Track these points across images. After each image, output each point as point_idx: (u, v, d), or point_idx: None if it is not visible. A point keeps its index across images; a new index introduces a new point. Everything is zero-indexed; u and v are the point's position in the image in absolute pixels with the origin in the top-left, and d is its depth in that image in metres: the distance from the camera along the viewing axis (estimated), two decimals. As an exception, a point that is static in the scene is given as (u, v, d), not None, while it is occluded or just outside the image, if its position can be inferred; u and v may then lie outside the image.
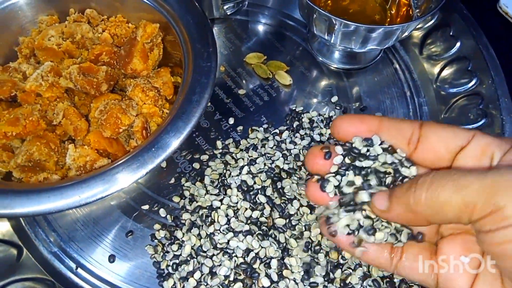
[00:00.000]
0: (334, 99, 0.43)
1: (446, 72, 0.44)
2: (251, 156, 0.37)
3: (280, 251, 0.32)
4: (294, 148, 0.38)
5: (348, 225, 0.22)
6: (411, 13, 0.43)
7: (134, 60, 0.37)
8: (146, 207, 0.37)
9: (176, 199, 0.37)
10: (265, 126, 0.41)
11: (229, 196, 0.35)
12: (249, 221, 0.33)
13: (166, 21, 0.38)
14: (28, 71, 0.39)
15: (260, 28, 0.49)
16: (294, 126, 0.40)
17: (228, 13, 0.48)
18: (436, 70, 0.45)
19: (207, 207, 0.35)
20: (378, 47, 0.40)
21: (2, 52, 0.40)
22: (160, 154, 0.31)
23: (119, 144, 0.35)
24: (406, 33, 0.39)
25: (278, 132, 0.40)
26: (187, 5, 0.38)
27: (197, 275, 0.32)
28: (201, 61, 0.35)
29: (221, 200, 0.35)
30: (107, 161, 0.34)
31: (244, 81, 0.44)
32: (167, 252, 0.34)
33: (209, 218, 0.34)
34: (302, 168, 0.36)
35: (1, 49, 0.40)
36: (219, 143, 0.40)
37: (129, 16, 0.41)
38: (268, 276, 0.31)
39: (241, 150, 0.39)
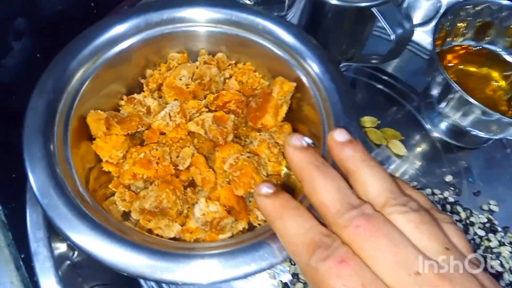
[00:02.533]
0: (448, 178, 0.42)
1: None
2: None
3: None
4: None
5: None
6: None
7: (267, 116, 0.36)
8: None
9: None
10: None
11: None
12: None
13: (299, 79, 0.37)
14: (152, 106, 0.38)
15: (373, 90, 0.48)
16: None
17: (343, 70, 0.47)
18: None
19: None
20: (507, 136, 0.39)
21: (126, 82, 0.39)
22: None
23: (244, 202, 0.34)
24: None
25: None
26: (328, 67, 0.37)
27: None
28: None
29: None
30: (232, 219, 0.33)
31: (356, 145, 0.43)
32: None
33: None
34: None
35: (126, 79, 0.39)
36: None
37: (258, 65, 0.41)
38: None
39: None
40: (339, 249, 0.18)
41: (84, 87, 0.34)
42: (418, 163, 0.43)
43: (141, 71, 0.40)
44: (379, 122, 0.44)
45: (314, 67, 0.37)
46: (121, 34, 0.37)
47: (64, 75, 0.33)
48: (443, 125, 0.45)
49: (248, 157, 0.35)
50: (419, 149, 0.44)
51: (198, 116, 0.38)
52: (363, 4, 0.37)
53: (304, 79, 0.37)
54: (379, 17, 0.36)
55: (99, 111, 0.35)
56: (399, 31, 0.37)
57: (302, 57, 0.37)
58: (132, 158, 0.34)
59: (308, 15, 0.41)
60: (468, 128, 0.40)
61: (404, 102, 0.47)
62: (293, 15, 0.44)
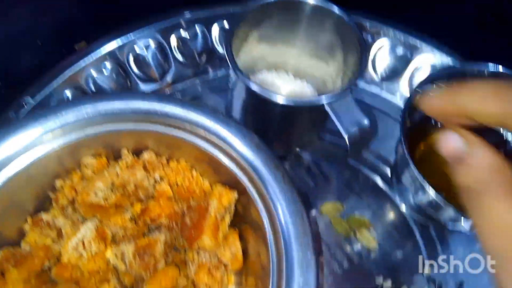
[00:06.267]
0: (427, 270, 0.36)
1: None
2: None
3: None
4: None
5: None
6: None
7: (204, 237, 0.30)
8: None
9: None
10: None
11: None
12: None
13: (242, 185, 0.31)
14: (64, 230, 0.31)
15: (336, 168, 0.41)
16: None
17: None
18: None
19: None
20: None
21: (33, 195, 0.32)
22: None
23: None
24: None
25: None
26: (272, 170, 0.30)
27: None
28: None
29: None
30: None
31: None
32: None
33: None
34: None
35: (33, 191, 0.32)
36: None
37: (194, 162, 0.34)
38: None
39: None
40: None
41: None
42: (394, 254, 0.37)
43: (50, 181, 0.33)
44: (343, 207, 0.38)
45: (257, 170, 0.30)
46: (22, 147, 0.29)
47: None
48: (415, 199, 0.39)
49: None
50: (394, 235, 0.38)
51: (122, 236, 0.31)
52: (320, 102, 0.30)
53: (246, 182, 0.30)
54: (331, 115, 0.30)
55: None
56: (353, 130, 0.31)
57: (244, 159, 0.30)
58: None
59: (252, 108, 0.35)
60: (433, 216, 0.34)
61: (372, 174, 0.41)
62: (233, 102, 0.37)
